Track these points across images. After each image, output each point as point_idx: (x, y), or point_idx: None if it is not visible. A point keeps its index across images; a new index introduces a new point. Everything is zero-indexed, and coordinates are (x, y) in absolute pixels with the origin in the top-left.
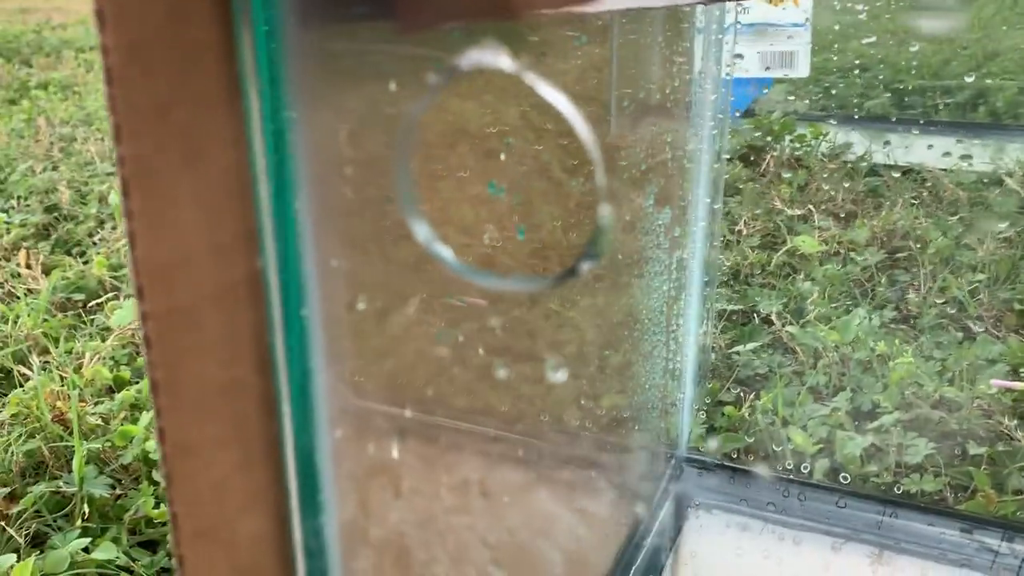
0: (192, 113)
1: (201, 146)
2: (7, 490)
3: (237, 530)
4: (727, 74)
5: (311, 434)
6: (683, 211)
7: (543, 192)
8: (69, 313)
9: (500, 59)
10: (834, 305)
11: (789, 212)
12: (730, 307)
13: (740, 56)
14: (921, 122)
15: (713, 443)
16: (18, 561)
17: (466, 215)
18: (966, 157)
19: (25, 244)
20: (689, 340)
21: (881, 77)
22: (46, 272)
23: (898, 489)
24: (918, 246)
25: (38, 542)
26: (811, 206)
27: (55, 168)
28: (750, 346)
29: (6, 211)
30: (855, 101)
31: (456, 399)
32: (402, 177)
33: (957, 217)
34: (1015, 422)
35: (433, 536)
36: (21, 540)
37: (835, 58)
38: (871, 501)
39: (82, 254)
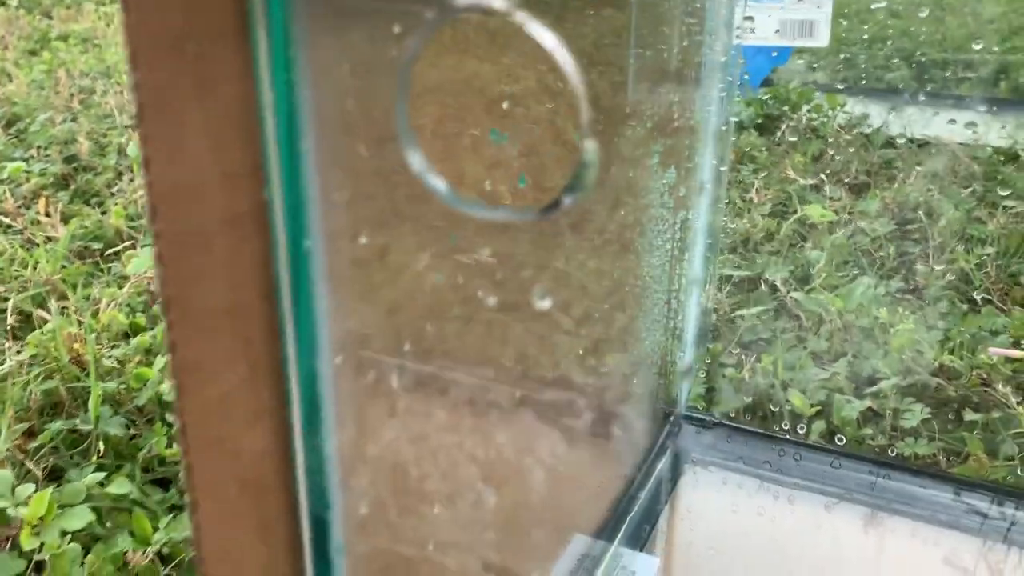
0: (203, 46)
1: (211, 78)
2: (25, 426)
3: (242, 444)
4: (737, 36)
5: (312, 358)
6: (689, 172)
7: (541, 136)
8: (87, 261)
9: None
10: (840, 274)
11: (802, 181)
12: (738, 273)
13: (750, 18)
14: (946, 97)
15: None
16: (36, 492)
17: (469, 163)
18: (971, 124)
19: (44, 193)
20: (691, 301)
21: (902, 48)
22: (64, 221)
23: (892, 452)
24: (931, 217)
25: (55, 476)
26: (823, 176)
27: (75, 119)
28: (754, 310)
29: (26, 160)
30: (875, 73)
31: (453, 342)
32: (400, 110)
33: (970, 190)
34: (1010, 390)
35: (428, 464)
36: (39, 473)
37: (856, 28)
38: (865, 463)
39: (100, 204)
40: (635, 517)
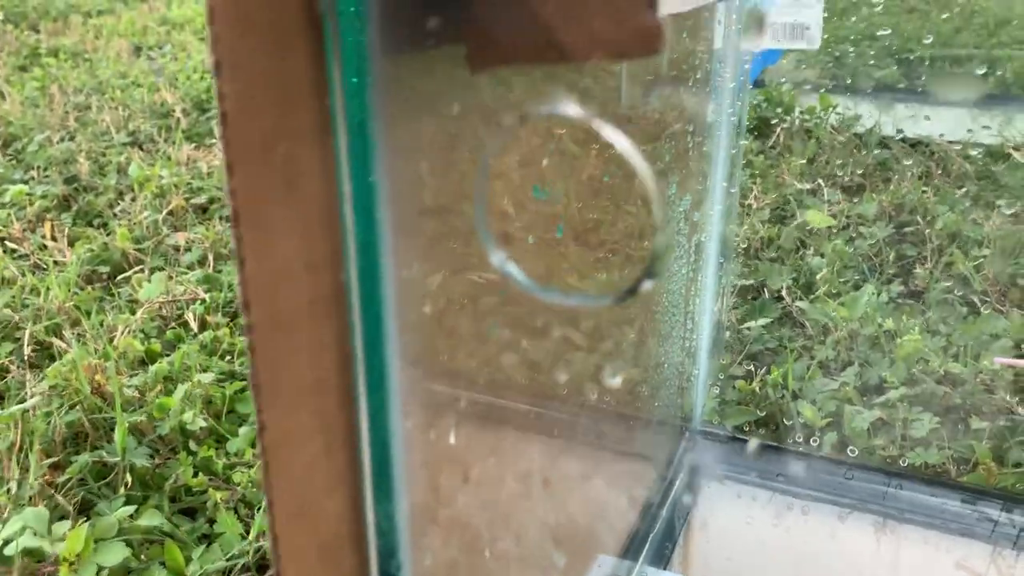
0: (291, 147)
1: (297, 176)
2: (52, 460)
3: (321, 510)
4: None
5: (385, 425)
6: (701, 195)
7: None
8: (96, 286)
9: (570, 107)
10: (843, 280)
11: (799, 185)
12: (741, 282)
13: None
14: (935, 93)
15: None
16: (71, 528)
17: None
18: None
19: (49, 216)
20: (704, 319)
21: (891, 46)
22: (70, 244)
23: (903, 461)
24: (927, 219)
25: (84, 509)
26: (820, 180)
27: (72, 138)
28: (761, 322)
29: (26, 182)
30: (864, 71)
31: (504, 384)
32: (479, 209)
33: (964, 191)
34: (1016, 398)
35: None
36: (70, 507)
37: (845, 26)
38: (877, 473)
39: (104, 225)
40: (657, 535)
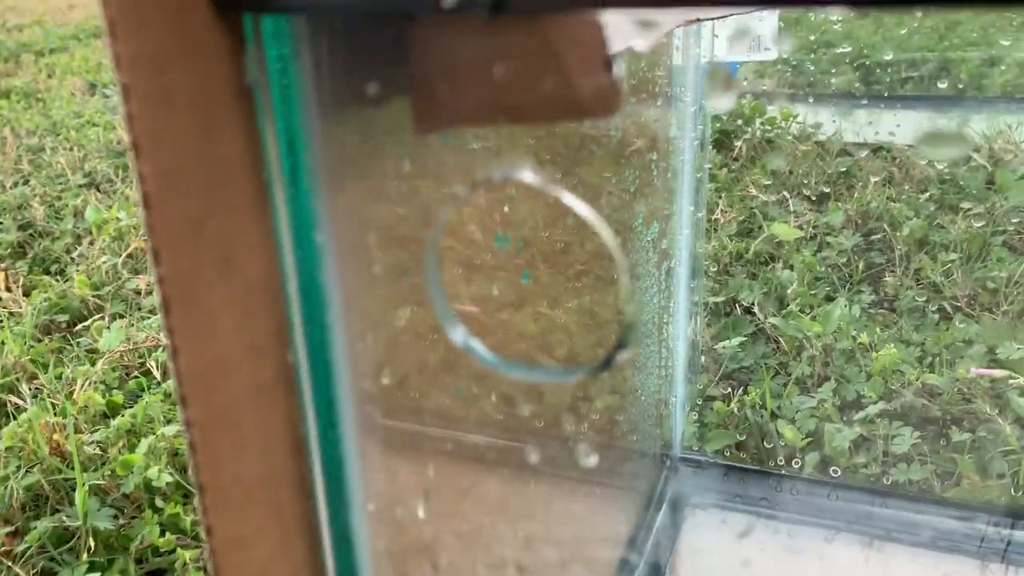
0: (224, 224)
1: (234, 254)
2: (10, 528)
3: None
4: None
5: (345, 513)
6: (668, 221)
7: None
8: (54, 336)
9: (526, 174)
10: (813, 292)
11: (764, 198)
12: (713, 299)
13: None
14: (885, 95)
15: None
16: None
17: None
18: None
19: (2, 265)
20: (679, 344)
21: (847, 52)
22: (26, 293)
23: (887, 479)
24: (893, 226)
25: None
26: (785, 191)
27: (26, 182)
28: (735, 341)
29: None
30: (822, 79)
31: (477, 435)
32: (434, 283)
33: (928, 195)
34: (996, 409)
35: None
36: None
37: (800, 35)
38: (861, 492)
39: (61, 272)
40: (643, 569)
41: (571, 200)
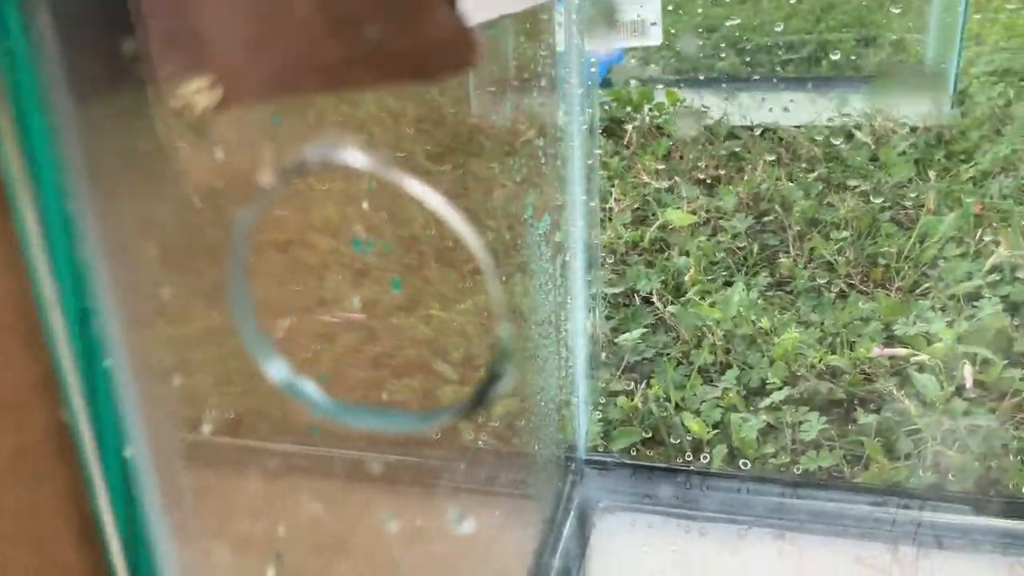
0: None
1: None
2: None
3: None
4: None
5: None
6: (560, 212)
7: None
8: None
9: (351, 156)
10: (710, 278)
11: (656, 184)
12: (610, 291)
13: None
14: (775, 80)
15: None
16: None
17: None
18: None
19: None
20: (578, 340)
21: (728, 36)
22: None
23: (797, 469)
24: (784, 207)
25: None
26: (677, 177)
27: None
28: (636, 333)
29: None
30: (706, 63)
31: (338, 440)
32: (241, 304)
33: (815, 175)
34: (900, 389)
35: None
36: None
37: (683, 20)
38: (772, 484)
39: None
40: None
41: (416, 187)
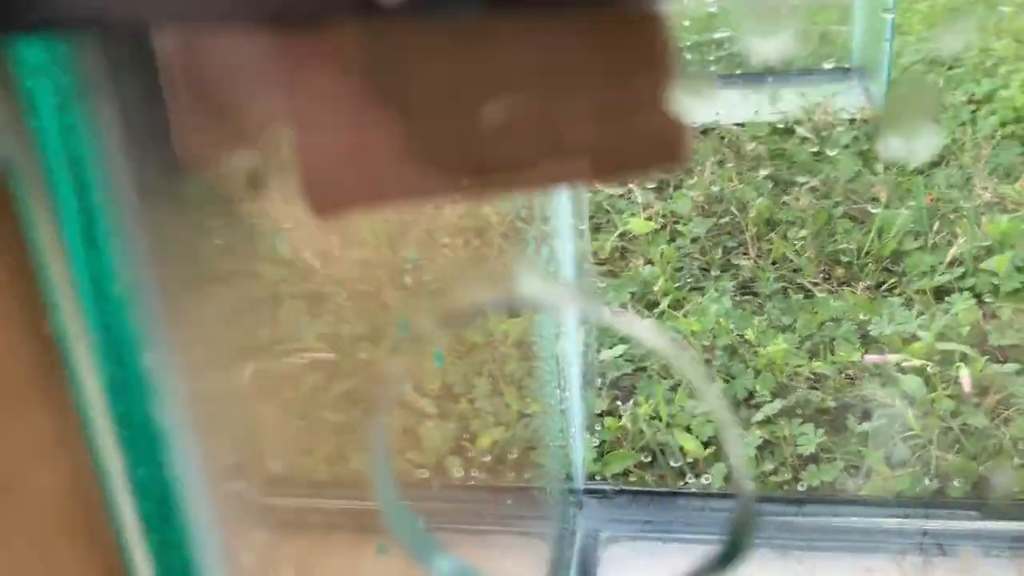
0: None
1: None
2: None
3: None
4: None
5: None
6: (553, 243)
7: None
8: None
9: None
10: (677, 285)
11: (608, 191)
12: None
13: None
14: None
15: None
16: None
17: None
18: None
19: None
20: (573, 371)
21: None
22: None
23: (800, 485)
24: (739, 210)
25: None
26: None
27: None
28: (618, 349)
29: None
30: None
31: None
32: (382, 474)
33: (765, 174)
34: (889, 395)
35: None
36: None
37: None
38: (776, 502)
39: None
40: None
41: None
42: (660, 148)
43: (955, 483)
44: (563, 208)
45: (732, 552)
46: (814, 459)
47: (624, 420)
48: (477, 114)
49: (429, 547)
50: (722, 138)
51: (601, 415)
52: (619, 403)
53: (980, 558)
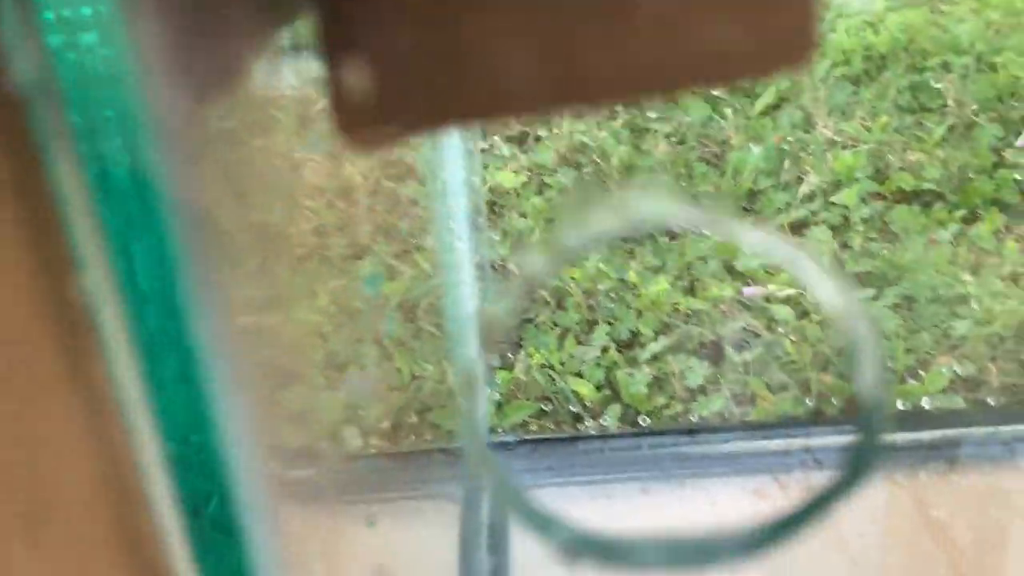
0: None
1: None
2: None
3: None
4: None
5: None
6: (445, 197)
7: None
8: None
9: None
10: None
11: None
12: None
13: None
14: None
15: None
16: None
17: None
18: None
19: None
20: (469, 317)
21: None
22: None
23: (693, 416)
24: (602, 156)
25: None
26: (493, 137)
27: None
28: (505, 302)
29: None
30: None
31: None
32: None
33: (620, 122)
34: (766, 324)
35: None
36: None
37: None
38: (668, 436)
39: None
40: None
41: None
42: (794, 45)
43: (832, 401)
44: (454, 163)
45: (854, 476)
46: (702, 391)
47: (517, 372)
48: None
49: (545, 517)
50: None
51: (493, 369)
52: (510, 356)
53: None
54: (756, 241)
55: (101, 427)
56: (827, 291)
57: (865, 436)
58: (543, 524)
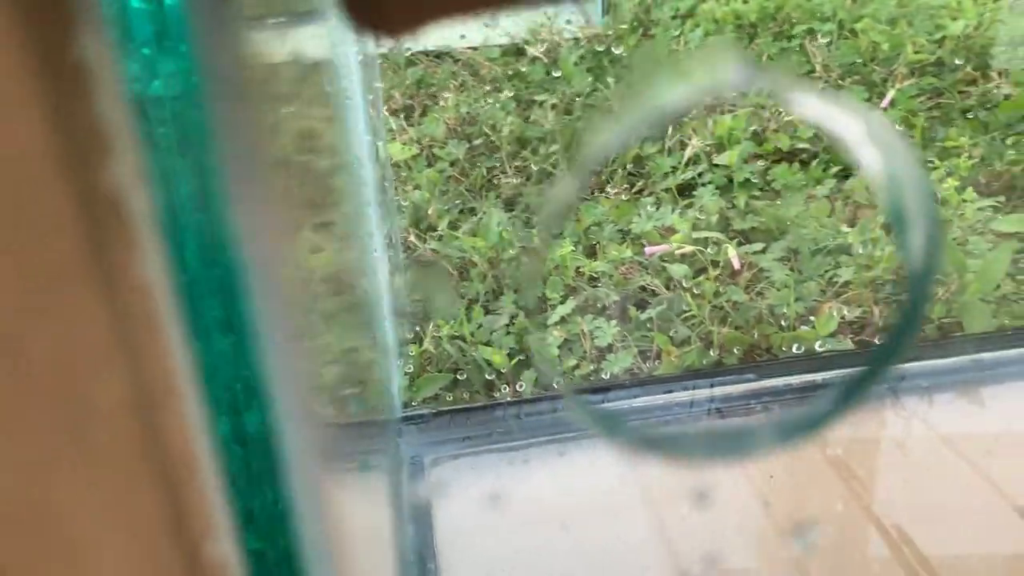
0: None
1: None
2: None
3: None
4: None
5: None
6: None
7: None
8: None
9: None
10: (447, 208)
11: None
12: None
13: None
14: None
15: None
16: None
17: None
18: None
19: None
20: (384, 301)
21: None
22: None
23: (604, 375)
24: (493, 131)
25: None
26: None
27: None
28: (410, 275)
29: None
30: None
31: None
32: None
33: (507, 95)
34: (654, 278)
35: None
36: None
37: None
38: (582, 394)
39: None
40: (411, 547)
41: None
42: None
43: (734, 351)
44: (359, 126)
45: (896, 349)
46: (611, 349)
47: (427, 345)
48: None
49: (613, 422)
50: (456, 61)
51: (403, 343)
52: (417, 329)
53: (757, 413)
54: (819, 106)
55: (128, 336)
56: (892, 155)
57: (909, 307)
58: (610, 426)
